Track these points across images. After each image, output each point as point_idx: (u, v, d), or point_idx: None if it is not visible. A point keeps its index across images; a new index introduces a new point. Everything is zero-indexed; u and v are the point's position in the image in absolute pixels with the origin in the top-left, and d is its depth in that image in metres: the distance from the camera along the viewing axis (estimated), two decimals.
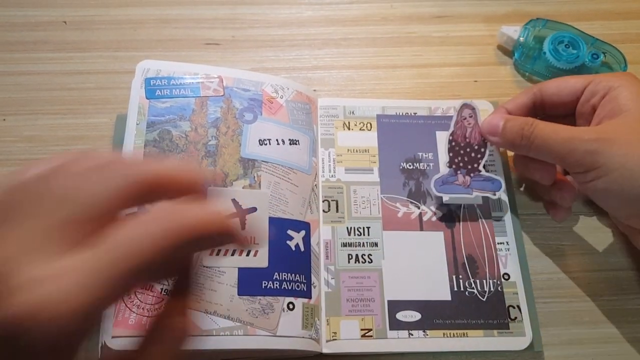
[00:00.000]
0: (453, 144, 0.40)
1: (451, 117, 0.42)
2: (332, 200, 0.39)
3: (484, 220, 0.39)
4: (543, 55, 0.44)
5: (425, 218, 0.39)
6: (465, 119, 0.40)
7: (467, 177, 0.39)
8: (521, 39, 0.45)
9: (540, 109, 0.39)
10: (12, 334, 0.16)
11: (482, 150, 0.39)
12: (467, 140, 0.40)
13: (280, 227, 0.36)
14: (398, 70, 0.46)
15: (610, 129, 0.33)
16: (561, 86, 0.37)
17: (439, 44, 0.48)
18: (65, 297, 0.17)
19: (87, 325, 0.18)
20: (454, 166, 0.39)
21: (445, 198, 0.39)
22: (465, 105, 0.40)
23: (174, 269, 0.22)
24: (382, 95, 0.45)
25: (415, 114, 0.43)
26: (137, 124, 0.38)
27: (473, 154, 0.40)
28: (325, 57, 0.47)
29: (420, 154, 0.41)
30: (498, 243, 0.38)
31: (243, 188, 0.37)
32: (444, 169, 0.40)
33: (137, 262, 0.18)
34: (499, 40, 0.47)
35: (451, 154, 0.40)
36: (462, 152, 0.40)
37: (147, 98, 0.39)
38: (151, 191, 0.20)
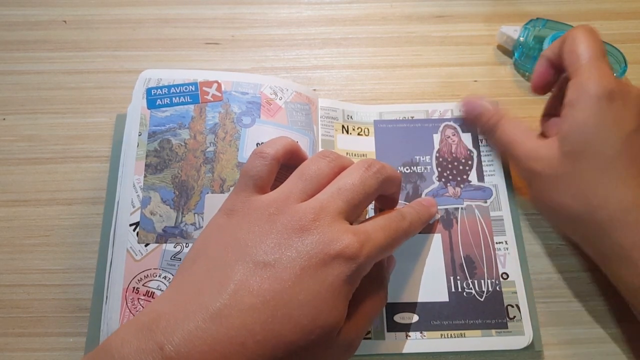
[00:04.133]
0: (440, 159, 0.41)
1: (449, 119, 0.43)
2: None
3: (482, 220, 0.39)
4: None
5: None
6: (449, 137, 0.42)
7: (458, 189, 0.40)
8: (521, 38, 0.45)
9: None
10: (342, 258, 0.28)
11: (470, 162, 0.41)
12: (454, 155, 0.41)
13: None
14: (398, 70, 0.46)
15: (546, 154, 0.35)
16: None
17: (439, 43, 0.48)
18: (368, 243, 0.29)
19: (374, 261, 0.30)
20: (443, 179, 0.40)
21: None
22: (447, 126, 0.42)
23: None
24: (382, 95, 0.45)
25: (412, 117, 0.43)
26: (139, 135, 0.38)
27: (461, 167, 0.41)
28: (325, 57, 0.47)
29: (417, 157, 0.41)
30: (497, 243, 0.38)
31: None
32: (434, 183, 0.40)
33: (391, 239, 0.31)
34: (498, 40, 0.47)
35: (439, 169, 0.41)
36: (450, 166, 0.41)
37: (148, 108, 0.39)
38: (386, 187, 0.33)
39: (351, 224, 0.30)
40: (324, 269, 0.27)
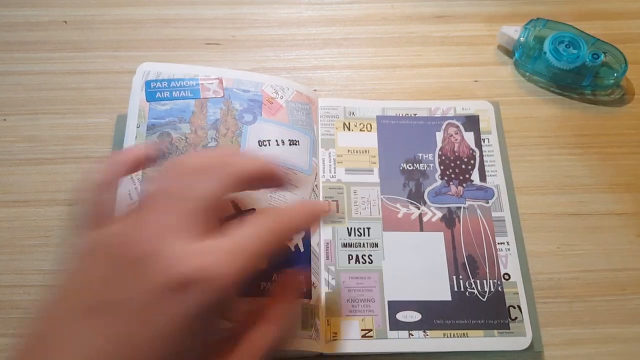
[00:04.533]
0: (443, 157, 0.41)
1: (452, 116, 0.43)
2: (332, 201, 0.39)
3: (484, 220, 0.39)
4: (543, 55, 0.44)
5: (425, 219, 0.39)
6: (451, 135, 0.42)
7: (460, 187, 0.40)
8: (521, 39, 0.45)
9: None
10: (185, 287, 0.22)
11: (472, 162, 0.41)
12: (456, 153, 0.41)
13: None
14: (398, 70, 0.46)
15: None
16: None
17: (439, 44, 0.48)
18: (219, 265, 0.23)
19: (233, 289, 0.23)
20: (445, 178, 0.40)
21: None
22: (449, 124, 0.42)
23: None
24: (383, 95, 0.45)
25: (415, 115, 0.43)
26: (137, 127, 0.38)
27: (463, 166, 0.41)
28: (325, 57, 0.47)
29: (420, 154, 0.41)
30: (498, 243, 0.38)
31: None
32: (437, 181, 0.40)
33: (260, 248, 0.24)
34: (499, 41, 0.47)
35: (442, 167, 0.41)
36: (452, 164, 0.41)
37: (147, 101, 0.39)
38: (246, 184, 0.27)
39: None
40: (163, 305, 0.22)
